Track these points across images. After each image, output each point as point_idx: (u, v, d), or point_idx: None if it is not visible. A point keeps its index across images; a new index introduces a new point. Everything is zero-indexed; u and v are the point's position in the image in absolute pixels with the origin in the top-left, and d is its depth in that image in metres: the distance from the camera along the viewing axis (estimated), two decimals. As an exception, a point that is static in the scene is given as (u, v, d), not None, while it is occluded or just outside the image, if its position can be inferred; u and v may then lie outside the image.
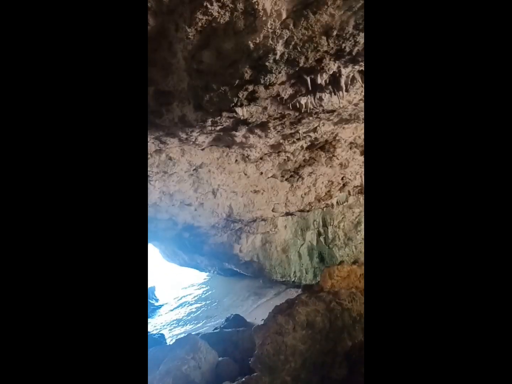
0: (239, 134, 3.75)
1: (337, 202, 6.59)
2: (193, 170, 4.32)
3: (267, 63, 2.10)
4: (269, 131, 3.76)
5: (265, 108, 2.86)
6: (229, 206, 5.05)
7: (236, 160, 4.64)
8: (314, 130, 4.23)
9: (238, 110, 2.60)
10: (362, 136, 5.06)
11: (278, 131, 3.87)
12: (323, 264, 9.85)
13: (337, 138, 4.85)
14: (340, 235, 10.52)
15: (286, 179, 5.46)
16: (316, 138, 4.75)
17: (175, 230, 5.15)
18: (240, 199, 5.03)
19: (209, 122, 2.89)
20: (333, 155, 5.34)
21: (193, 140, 3.72)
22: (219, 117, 2.79)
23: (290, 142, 4.56)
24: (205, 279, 14.45)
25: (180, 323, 10.53)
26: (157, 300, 12.78)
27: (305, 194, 5.70)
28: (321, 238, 10.61)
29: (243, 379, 5.33)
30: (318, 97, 2.81)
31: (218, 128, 3.23)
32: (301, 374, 5.04)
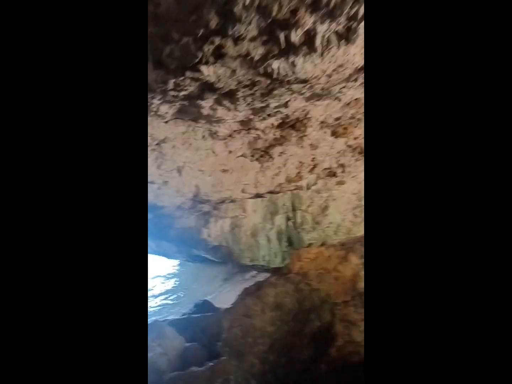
0: (206, 105, 3.43)
1: (306, 185, 6.45)
2: (156, 144, 3.96)
3: (235, 10, 1.82)
4: (238, 103, 3.47)
5: (233, 72, 2.58)
6: (195, 185, 4.74)
7: (204, 136, 4.32)
8: (285, 105, 3.99)
9: (204, 69, 2.30)
10: (333, 115, 4.90)
11: (248, 104, 3.59)
12: (292, 248, 9.83)
13: (308, 116, 4.65)
14: (309, 219, 10.50)
15: (256, 159, 5.22)
16: (287, 116, 4.52)
17: (135, 210, 4.77)
18: (208, 178, 4.73)
19: (171, 84, 2.56)
20: (304, 135, 5.15)
21: (155, 110, 3.37)
22: (182, 78, 2.47)
23: (260, 118, 4.30)
24: (173, 266, 14.22)
25: (149, 312, 10.40)
26: None
27: (275, 175, 5.50)
28: (290, 222, 10.54)
29: (210, 363, 5.15)
30: (291, 62, 2.56)
31: (181, 94, 2.91)
32: (269, 356, 4.92)
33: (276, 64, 2.55)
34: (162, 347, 6.17)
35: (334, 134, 5.43)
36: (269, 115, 4.28)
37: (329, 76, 3.23)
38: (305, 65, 2.74)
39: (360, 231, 9.19)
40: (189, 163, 4.39)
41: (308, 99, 4.10)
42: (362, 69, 3.47)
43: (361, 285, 6.16)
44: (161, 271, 13.94)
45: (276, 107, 3.99)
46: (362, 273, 6.37)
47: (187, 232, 8.82)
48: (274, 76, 2.72)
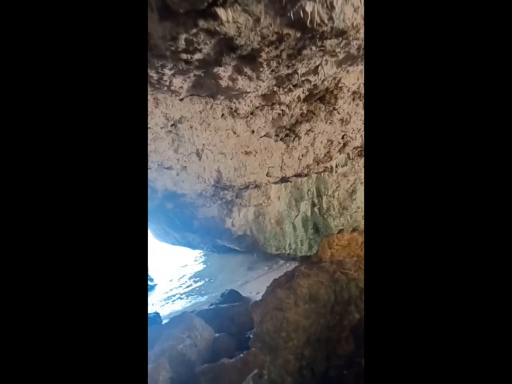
0: (225, 74, 2.93)
1: (336, 165, 5.87)
2: (171, 125, 3.51)
3: None
4: (261, 69, 2.95)
5: (257, 21, 2.06)
6: (217, 170, 4.28)
7: (223, 115, 3.83)
8: (315, 71, 3.43)
9: (220, 13, 1.80)
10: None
11: (272, 70, 3.06)
12: (318, 235, 9.33)
13: (339, 85, 4.06)
14: (335, 204, 10.00)
15: (281, 139, 4.69)
16: (315, 86, 3.95)
17: (154, 199, 4.38)
18: (230, 162, 4.26)
19: (182, 41, 2.07)
20: (334, 108, 4.56)
21: (167, 84, 2.90)
22: (194, 31, 1.98)
23: (285, 90, 3.76)
24: (198, 257, 14.16)
25: (175, 302, 10.20)
26: (151, 280, 12.44)
27: (302, 156, 4.96)
28: (316, 209, 10.09)
29: (241, 355, 4.78)
30: (328, 3, 2.02)
31: (195, 58, 2.42)
32: (304, 351, 4.48)
33: (309, 6, 2.01)
34: (191, 339, 5.93)
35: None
36: (295, 85, 3.73)
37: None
38: (344, 9, 2.18)
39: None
40: (209, 145, 3.92)
41: (340, 63, 3.51)
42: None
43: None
44: (187, 262, 13.86)
45: (304, 74, 3.43)
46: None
47: (210, 222, 8.46)
48: (307, 24, 2.18)
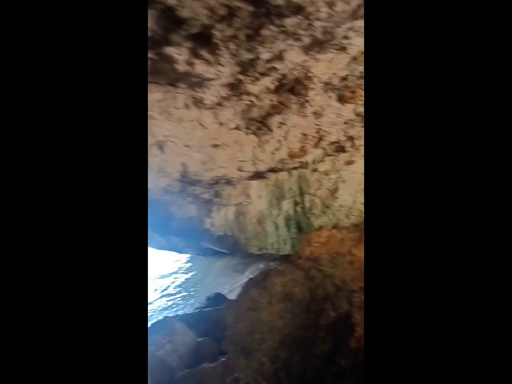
0: (180, 58, 2.72)
1: (312, 161, 5.71)
2: (129, 115, 3.28)
3: None
4: (218, 51, 2.75)
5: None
6: (182, 163, 4.05)
7: (187, 105, 3.62)
8: (280, 56, 3.25)
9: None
10: (339, 74, 4.13)
11: (232, 54, 2.87)
12: (302, 234, 9.18)
13: (309, 74, 3.89)
14: (318, 203, 9.87)
15: (252, 132, 4.49)
16: (284, 76, 3.77)
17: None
18: (196, 155, 4.04)
19: None
20: (306, 100, 4.40)
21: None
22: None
23: (252, 78, 3.58)
24: (184, 261, 13.90)
25: (162, 308, 9.90)
26: None
27: (275, 150, 4.77)
28: (298, 208, 9.94)
29: (223, 358, 4.55)
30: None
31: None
32: (279, 353, 4.26)
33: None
34: (172, 344, 5.66)
35: (341, 99, 4.65)
36: (262, 74, 3.54)
37: (331, 4, 2.48)
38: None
39: (373, 211, 8.44)
40: (172, 137, 3.70)
41: (307, 49, 3.34)
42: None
43: (380, 268, 5.44)
44: (173, 267, 13.58)
45: (269, 60, 3.25)
46: (379, 255, 5.65)
47: (189, 223, 8.21)
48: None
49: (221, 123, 4.09)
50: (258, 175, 5.11)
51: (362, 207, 9.23)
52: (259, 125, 4.41)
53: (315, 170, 8.44)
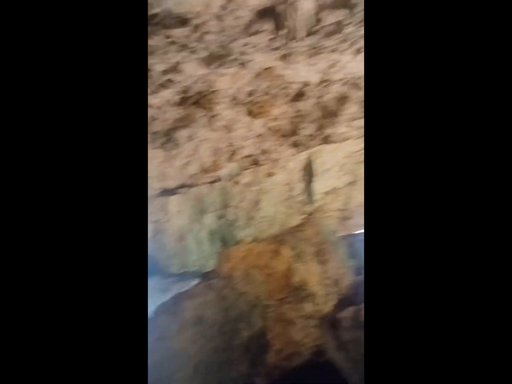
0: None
1: (229, 175, 5.62)
2: None
3: None
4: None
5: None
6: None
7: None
8: (176, 69, 3.09)
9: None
10: (244, 89, 4.13)
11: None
12: (226, 247, 9.03)
13: (213, 89, 3.80)
14: (241, 215, 9.83)
15: (158, 146, 4.22)
16: (186, 89, 3.62)
17: None
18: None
19: None
20: (214, 115, 4.29)
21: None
22: None
23: (150, 89, 3.34)
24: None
25: None
26: None
27: (185, 165, 4.56)
28: (222, 221, 9.78)
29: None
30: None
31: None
32: (193, 382, 3.99)
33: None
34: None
35: (250, 113, 4.67)
36: (161, 85, 3.34)
37: (219, 18, 2.41)
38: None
39: (293, 222, 8.68)
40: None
41: (206, 63, 3.24)
42: (268, 12, 2.71)
43: (295, 279, 5.53)
44: None
45: (164, 71, 3.06)
46: (295, 266, 5.75)
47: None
48: None
49: (120, 137, 3.75)
50: (167, 191, 4.82)
51: (284, 217, 9.43)
52: (165, 139, 4.17)
53: (236, 182, 8.37)
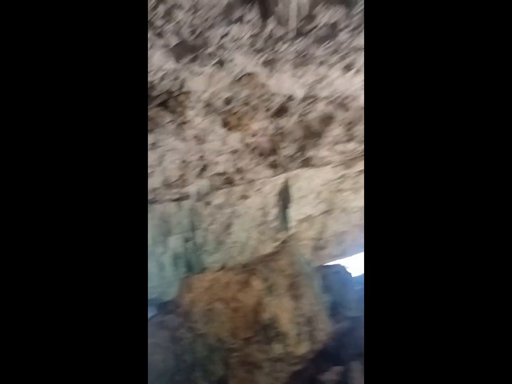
0: None
1: (197, 193, 4.98)
2: None
3: None
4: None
5: None
6: None
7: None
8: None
9: None
10: (221, 95, 3.60)
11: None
12: (192, 273, 8.23)
13: (184, 89, 3.25)
14: (210, 239, 9.16)
15: (115, 153, 3.53)
16: (151, 84, 3.04)
17: None
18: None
19: None
20: (184, 121, 3.71)
21: None
22: None
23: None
24: None
25: None
26: None
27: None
28: (188, 244, 9.04)
29: None
30: None
31: None
32: None
33: None
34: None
35: (226, 125, 4.13)
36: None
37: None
38: None
39: (265, 249, 8.09)
40: None
41: (177, 54, 2.70)
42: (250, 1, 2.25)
43: (266, 315, 4.83)
44: None
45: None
46: (266, 300, 5.07)
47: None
48: None
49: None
50: None
51: (255, 244, 8.80)
52: (122, 144, 3.51)
53: (207, 203, 7.78)
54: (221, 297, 5.12)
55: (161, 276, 8.44)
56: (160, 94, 3.20)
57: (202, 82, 3.25)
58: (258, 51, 2.99)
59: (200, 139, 4.08)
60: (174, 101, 3.33)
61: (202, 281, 5.18)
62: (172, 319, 3.66)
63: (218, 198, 7.42)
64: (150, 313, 7.31)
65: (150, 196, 4.30)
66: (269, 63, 3.23)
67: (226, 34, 2.54)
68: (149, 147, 3.67)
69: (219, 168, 4.88)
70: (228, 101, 3.70)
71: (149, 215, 7.06)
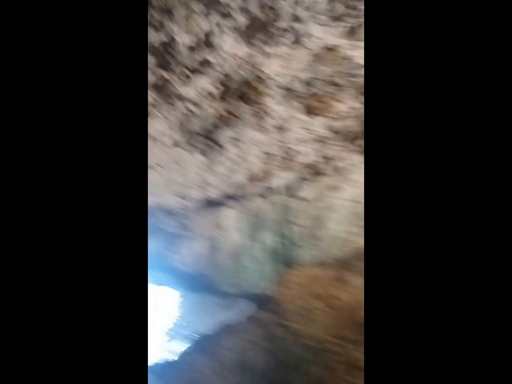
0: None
1: (285, 187, 4.75)
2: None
3: None
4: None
5: None
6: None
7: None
8: (207, 43, 2.40)
9: None
10: (301, 76, 3.29)
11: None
12: (287, 269, 8.11)
13: (260, 75, 3.05)
14: (304, 233, 8.92)
15: (201, 152, 3.57)
16: (227, 76, 2.93)
17: None
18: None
19: None
20: (264, 111, 3.53)
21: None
22: None
23: (179, 75, 2.72)
24: (174, 298, 12.73)
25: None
26: None
27: (230, 173, 3.84)
28: (283, 239, 8.98)
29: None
30: None
31: None
32: None
33: None
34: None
35: (309, 110, 3.80)
36: (192, 70, 2.68)
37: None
38: None
39: (363, 243, 7.42)
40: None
41: (247, 36, 2.51)
42: None
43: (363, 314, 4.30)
44: (160, 305, 12.43)
45: (191, 48, 2.39)
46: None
47: (154, 259, 7.15)
48: None
49: (154, 138, 3.18)
50: (209, 203, 4.14)
51: (352, 238, 8.23)
52: (206, 141, 3.51)
53: (299, 197, 7.58)
54: (318, 294, 4.81)
55: (258, 271, 8.55)
56: (237, 85, 3.06)
57: (278, 64, 3.00)
58: (337, 18, 2.60)
59: (282, 129, 3.84)
60: (250, 90, 3.16)
61: (298, 277, 4.95)
62: (267, 316, 3.50)
63: (308, 190, 7.10)
64: (247, 309, 7.42)
65: (238, 192, 4.25)
66: (353, 31, 2.81)
67: (299, 2, 2.23)
68: (228, 141, 3.59)
69: (306, 158, 4.56)
70: (309, 83, 3.36)
71: (241, 211, 7.18)
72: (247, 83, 3.11)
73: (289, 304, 3.90)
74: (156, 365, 6.41)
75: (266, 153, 4.00)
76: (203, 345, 3.32)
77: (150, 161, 3.25)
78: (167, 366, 3.32)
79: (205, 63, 2.61)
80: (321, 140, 4.33)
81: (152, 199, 3.59)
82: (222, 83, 3.00)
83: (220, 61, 2.69)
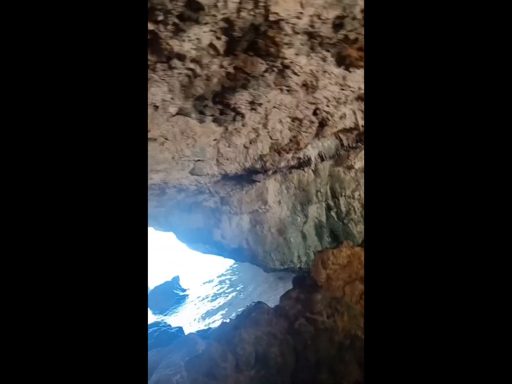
0: None
1: (320, 156, 4.08)
2: None
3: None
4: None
5: None
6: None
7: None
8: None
9: None
10: (328, 16, 2.54)
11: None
12: (338, 244, 7.50)
13: (272, 16, 2.39)
14: (356, 206, 8.18)
15: (214, 119, 3.09)
16: (229, 20, 2.34)
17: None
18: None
19: None
20: (286, 65, 2.87)
21: None
22: None
23: (167, 26, 2.21)
24: (229, 267, 13.33)
25: (202, 315, 9.62)
26: (183, 290, 12.10)
27: (251, 143, 3.30)
28: (332, 213, 8.35)
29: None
30: None
31: None
32: None
33: None
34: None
35: (342, 60, 3.03)
36: (184, 16, 2.15)
37: None
38: None
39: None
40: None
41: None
42: None
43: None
44: (217, 273, 13.04)
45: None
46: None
47: (199, 234, 7.11)
48: None
49: (155, 106, 2.78)
50: (225, 178, 3.68)
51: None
52: (217, 107, 3.00)
53: (349, 167, 6.83)
54: (361, 277, 4.19)
55: (305, 245, 8.07)
56: (245, 33, 2.45)
57: (292, 3, 2.31)
58: None
59: (310, 86, 3.15)
60: (261, 38, 2.53)
61: (338, 257, 4.35)
62: (291, 306, 3.05)
63: (356, 159, 6.30)
64: (286, 287, 7.03)
65: (256, 165, 3.71)
66: None
67: None
68: (246, 105, 3.04)
69: (344, 123, 3.80)
70: (338, 25, 2.61)
71: (287, 184, 6.65)
72: (255, 29, 2.49)
73: (328, 286, 3.38)
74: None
75: (294, 118, 3.36)
76: (220, 336, 3.01)
77: (152, 133, 2.87)
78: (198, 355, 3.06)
79: (197, 8, 2.06)
80: (359, 98, 3.53)
81: (154, 177, 3.23)
82: (224, 32, 2.43)
83: (214, 2, 2.11)
